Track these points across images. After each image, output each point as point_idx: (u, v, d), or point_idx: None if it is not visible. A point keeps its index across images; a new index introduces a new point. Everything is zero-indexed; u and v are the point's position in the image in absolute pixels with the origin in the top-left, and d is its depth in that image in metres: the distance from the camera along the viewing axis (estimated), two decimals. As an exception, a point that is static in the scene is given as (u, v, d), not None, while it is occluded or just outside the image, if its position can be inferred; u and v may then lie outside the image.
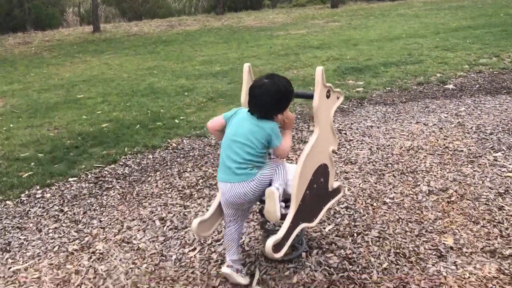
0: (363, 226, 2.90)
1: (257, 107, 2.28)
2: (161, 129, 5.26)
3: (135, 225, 3.15)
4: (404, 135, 4.43)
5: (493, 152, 3.87)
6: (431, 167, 3.66)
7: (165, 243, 2.90)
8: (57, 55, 12.66)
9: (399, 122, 4.85)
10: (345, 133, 4.63)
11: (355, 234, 2.81)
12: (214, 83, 7.49)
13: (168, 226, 3.09)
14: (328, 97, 2.41)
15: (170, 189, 3.68)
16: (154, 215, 3.26)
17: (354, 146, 4.27)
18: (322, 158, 2.43)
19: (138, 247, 2.88)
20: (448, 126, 4.57)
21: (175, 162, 4.28)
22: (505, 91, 5.73)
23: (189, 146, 4.70)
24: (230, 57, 9.97)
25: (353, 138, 4.46)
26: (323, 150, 2.43)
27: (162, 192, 3.64)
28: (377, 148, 4.13)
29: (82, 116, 6.05)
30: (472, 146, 4.03)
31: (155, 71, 9.01)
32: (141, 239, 2.97)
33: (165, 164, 4.25)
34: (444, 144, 4.11)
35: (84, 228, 3.18)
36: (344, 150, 4.20)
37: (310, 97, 2.38)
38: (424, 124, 4.71)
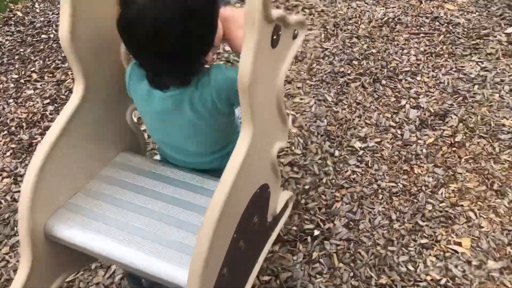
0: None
1: (157, 63, 1.00)
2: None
3: None
4: (370, -9, 2.93)
5: (505, 24, 2.57)
6: (419, 63, 2.36)
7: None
8: None
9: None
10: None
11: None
12: None
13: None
14: (274, 44, 0.94)
15: (-2, 129, 2.20)
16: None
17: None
18: (259, 175, 1.07)
19: None
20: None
21: (16, 57, 2.66)
22: None
23: (42, 19, 2.98)
24: None
25: (296, 2, 2.90)
26: (263, 157, 1.06)
27: (-17, 137, 2.16)
28: (334, 26, 2.66)
29: None
30: (472, 13, 2.68)
31: None
32: None
33: (-1, 62, 2.64)
34: (431, 11, 2.72)
35: None
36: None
37: None
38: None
